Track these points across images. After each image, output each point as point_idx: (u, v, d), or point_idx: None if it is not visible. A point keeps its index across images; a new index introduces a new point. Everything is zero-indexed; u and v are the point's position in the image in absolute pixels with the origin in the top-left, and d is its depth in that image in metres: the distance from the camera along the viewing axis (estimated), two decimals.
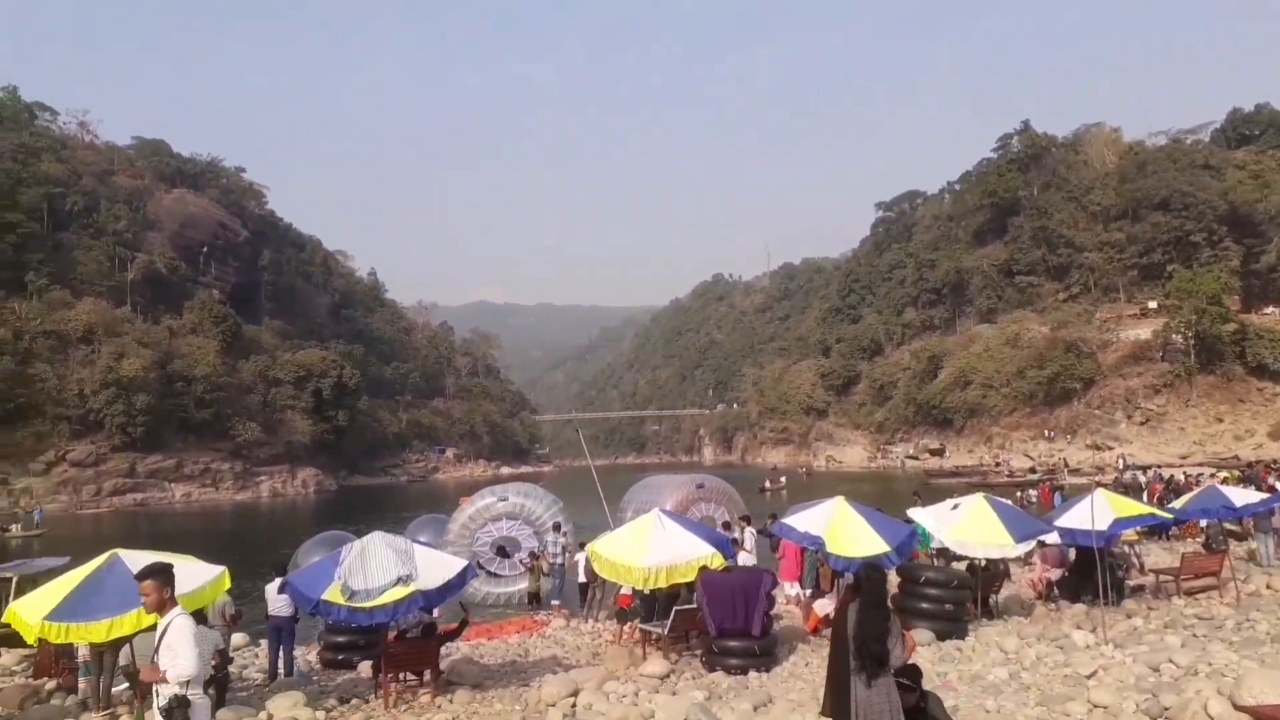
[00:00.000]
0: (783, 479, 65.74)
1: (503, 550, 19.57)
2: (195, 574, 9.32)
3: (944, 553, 16.03)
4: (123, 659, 9.28)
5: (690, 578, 11.45)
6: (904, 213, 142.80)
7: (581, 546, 16.48)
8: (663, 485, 21.12)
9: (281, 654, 12.20)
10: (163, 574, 5.37)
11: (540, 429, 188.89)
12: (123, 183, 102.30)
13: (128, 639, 8.88)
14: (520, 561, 19.32)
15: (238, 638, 14.12)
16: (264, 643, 13.48)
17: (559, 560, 18.06)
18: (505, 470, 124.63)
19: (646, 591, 12.53)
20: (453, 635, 11.68)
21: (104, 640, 8.88)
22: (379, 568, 9.63)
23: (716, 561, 11.61)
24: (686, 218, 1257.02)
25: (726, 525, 17.23)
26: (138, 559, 8.87)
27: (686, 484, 20.23)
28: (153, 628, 5.75)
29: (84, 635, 8.68)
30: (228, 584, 9.78)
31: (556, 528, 18.70)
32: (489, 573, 19.16)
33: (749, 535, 16.36)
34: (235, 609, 11.96)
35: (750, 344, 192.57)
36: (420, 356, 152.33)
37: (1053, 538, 14.19)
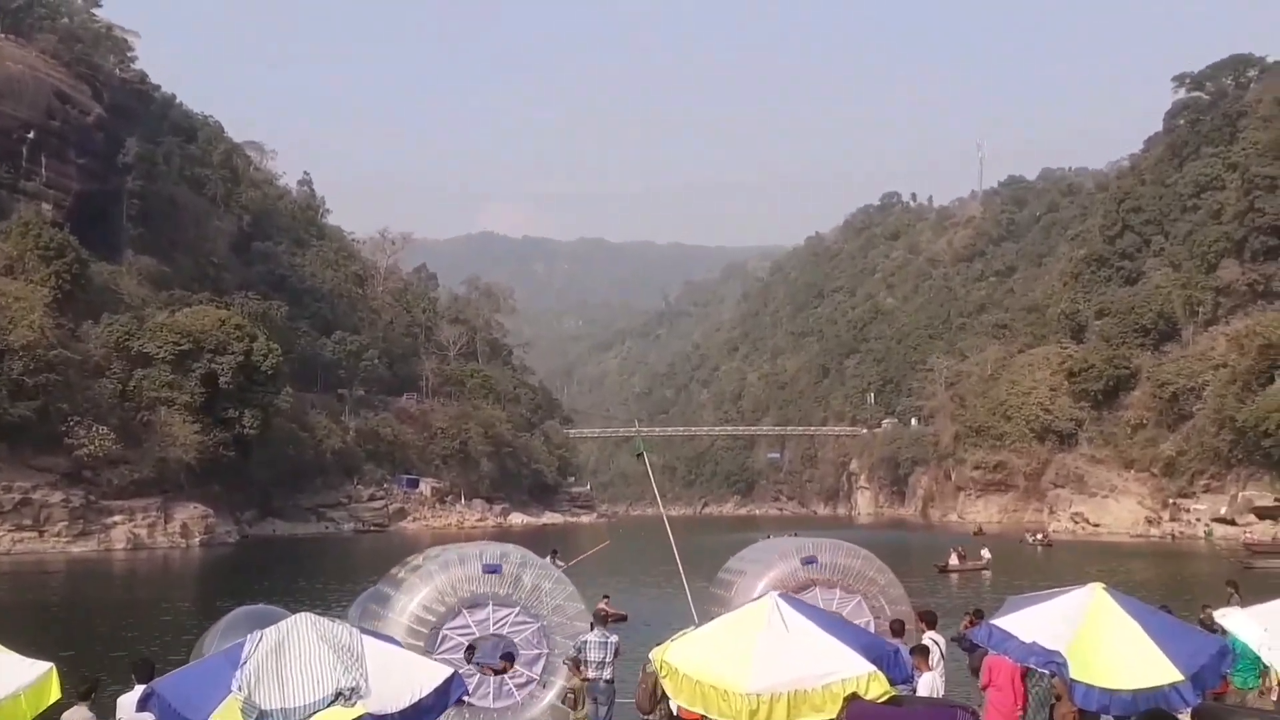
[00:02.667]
0: (985, 552, 64.91)
1: (470, 655, 19.58)
2: (3, 674, 9.55)
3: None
4: None
5: (829, 713, 11.42)
6: (1223, 94, 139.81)
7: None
8: (754, 559, 21.00)
9: None
10: None
11: (578, 451, 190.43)
12: None
13: None
14: (515, 683, 19.26)
15: None
16: None
17: (604, 675, 18.17)
18: (518, 518, 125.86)
19: None
20: None
21: None
22: (305, 673, 9.76)
23: (875, 686, 11.53)
24: (836, 94, 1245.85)
25: (899, 626, 17.14)
26: None
27: (787, 556, 20.03)
28: None
29: None
30: (56, 693, 10.02)
31: (602, 619, 18.76)
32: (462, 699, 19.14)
33: (934, 644, 16.25)
34: None
35: (943, 315, 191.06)
36: (381, 323, 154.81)
37: None
